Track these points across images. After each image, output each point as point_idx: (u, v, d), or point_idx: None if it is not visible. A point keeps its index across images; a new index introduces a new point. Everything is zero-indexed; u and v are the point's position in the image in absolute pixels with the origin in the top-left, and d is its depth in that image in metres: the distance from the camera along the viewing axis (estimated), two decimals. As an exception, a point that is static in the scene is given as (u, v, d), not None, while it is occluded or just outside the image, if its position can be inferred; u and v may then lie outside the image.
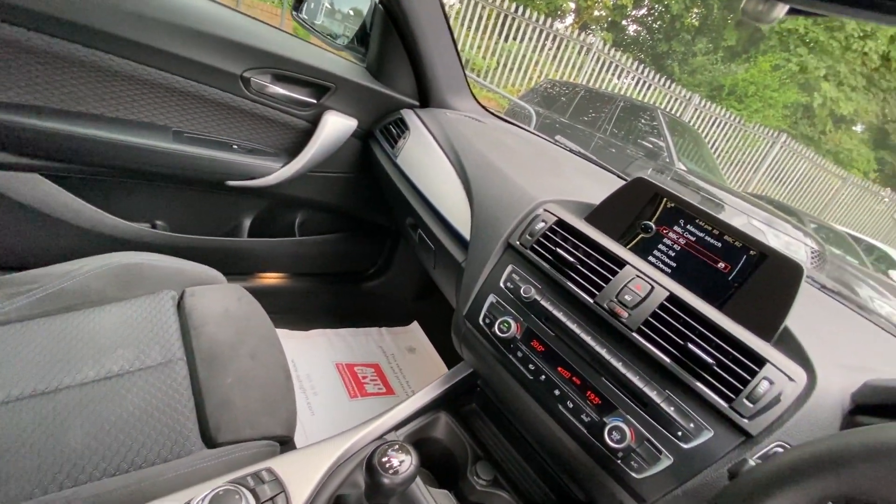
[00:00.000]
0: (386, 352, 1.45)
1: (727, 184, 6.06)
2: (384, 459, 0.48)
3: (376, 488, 0.48)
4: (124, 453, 0.65)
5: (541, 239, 0.69)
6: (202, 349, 0.81)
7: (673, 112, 7.54)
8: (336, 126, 1.09)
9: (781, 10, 0.32)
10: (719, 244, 0.63)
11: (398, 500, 0.63)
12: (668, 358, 0.55)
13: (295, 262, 1.32)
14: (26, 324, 0.76)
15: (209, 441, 0.70)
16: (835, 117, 10.32)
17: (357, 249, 1.44)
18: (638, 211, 0.70)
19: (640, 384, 0.55)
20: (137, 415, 0.69)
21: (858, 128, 11.49)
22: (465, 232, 0.80)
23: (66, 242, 0.97)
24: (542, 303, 0.65)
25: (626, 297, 0.59)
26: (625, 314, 0.58)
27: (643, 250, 0.68)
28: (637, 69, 7.81)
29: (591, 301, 0.61)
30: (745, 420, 0.49)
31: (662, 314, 0.57)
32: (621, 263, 0.62)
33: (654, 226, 0.68)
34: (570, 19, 11.37)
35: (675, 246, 0.66)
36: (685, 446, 0.51)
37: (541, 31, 7.61)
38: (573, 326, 0.61)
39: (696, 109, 8.16)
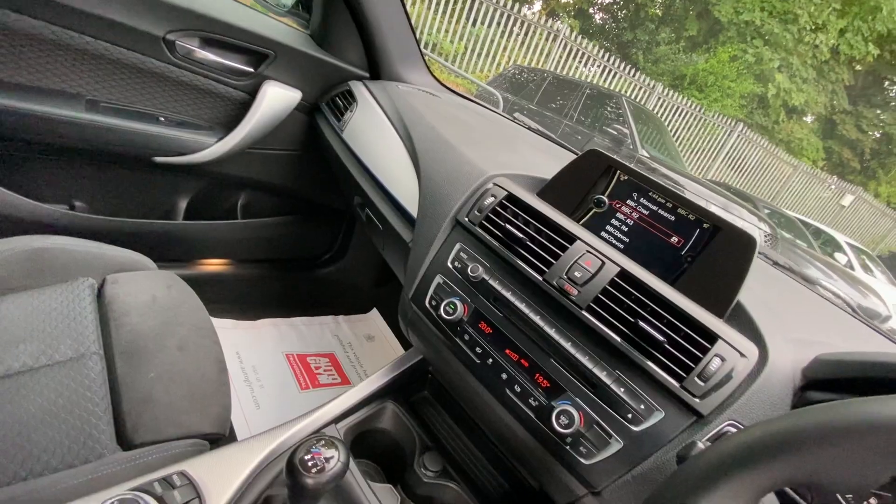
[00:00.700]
0: (342, 341, 1.39)
1: (688, 170, 6.23)
2: (307, 457, 0.43)
3: (299, 490, 0.43)
4: (21, 460, 0.57)
5: (490, 215, 0.64)
6: (122, 342, 0.73)
7: (637, 100, 7.67)
8: (277, 98, 1.00)
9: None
10: (673, 217, 0.60)
11: (336, 500, 0.58)
12: (619, 336, 0.52)
13: (239, 248, 1.23)
14: None
15: (125, 443, 0.62)
16: (787, 108, 10.78)
17: (309, 233, 1.36)
18: (591, 185, 0.66)
19: (589, 365, 0.52)
20: (40, 416, 0.61)
21: (809, 118, 12.06)
22: (413, 209, 0.75)
23: None
24: (491, 282, 0.61)
25: (576, 273, 0.55)
26: (574, 292, 0.55)
27: (595, 226, 0.64)
28: (603, 57, 7.88)
29: (540, 279, 0.57)
30: (697, 399, 0.47)
31: (613, 291, 0.54)
32: (571, 239, 0.59)
33: (606, 200, 0.65)
34: (538, 5, 11.33)
35: (628, 220, 0.63)
36: (635, 429, 0.49)
37: (509, 17, 7.54)
38: (522, 306, 0.57)
39: (660, 98, 8.34)
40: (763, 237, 3.63)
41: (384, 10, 0.99)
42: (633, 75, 8.00)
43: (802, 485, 0.27)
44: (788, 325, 0.56)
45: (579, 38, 7.82)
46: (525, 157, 0.84)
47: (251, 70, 0.96)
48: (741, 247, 0.55)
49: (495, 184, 0.67)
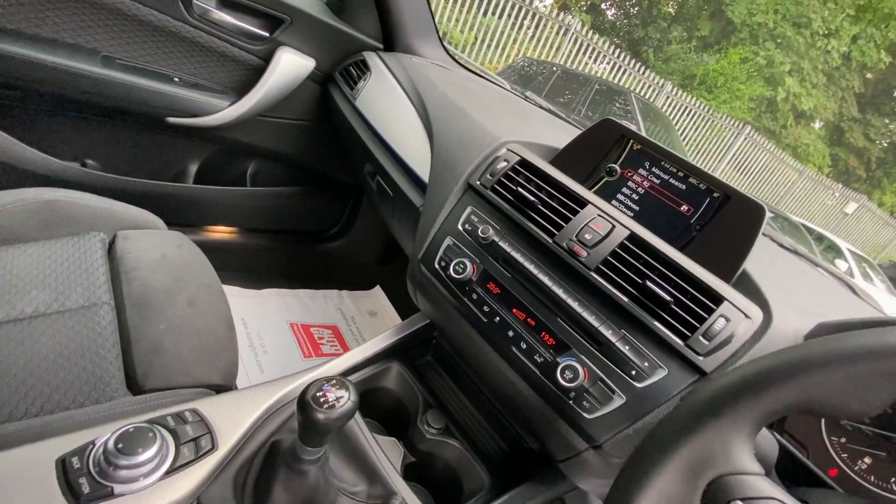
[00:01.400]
0: (346, 315, 1.40)
1: (693, 170, 6.19)
2: (318, 394, 0.44)
3: (309, 425, 0.44)
4: (33, 397, 0.58)
5: (502, 179, 0.65)
6: (133, 294, 0.74)
7: (646, 98, 7.63)
8: (291, 65, 1.00)
9: None
10: (683, 186, 0.61)
11: (342, 449, 0.59)
12: (626, 297, 0.52)
13: (247, 216, 1.24)
14: (-80, 260, 0.67)
15: (134, 388, 0.63)
16: (796, 112, 10.71)
17: (316, 206, 1.37)
18: (604, 153, 0.66)
19: (595, 323, 0.53)
20: (52, 358, 0.62)
21: (817, 124, 11.99)
22: (425, 175, 0.75)
23: None
24: (500, 244, 0.61)
25: (586, 235, 0.56)
26: (583, 253, 0.55)
27: (607, 194, 0.65)
28: (614, 53, 7.82)
29: (550, 241, 0.58)
30: (700, 357, 0.48)
31: (622, 253, 0.55)
32: (583, 203, 0.59)
33: (618, 168, 0.65)
34: (550, -1, 11.23)
35: (640, 189, 0.63)
36: (638, 385, 0.50)
37: (520, 8, 7.48)
38: (530, 267, 0.58)
39: (668, 97, 8.28)
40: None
41: (401, -20, 0.99)
42: (643, 73, 7.94)
43: (804, 410, 0.28)
44: (793, 296, 0.57)
45: (590, 33, 7.76)
46: (537, 129, 0.84)
47: (266, 35, 0.96)
48: (750, 215, 0.55)
49: (508, 149, 0.68)
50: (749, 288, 0.53)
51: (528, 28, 7.62)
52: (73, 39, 0.85)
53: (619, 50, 7.96)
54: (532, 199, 0.61)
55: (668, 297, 0.50)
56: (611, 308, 0.53)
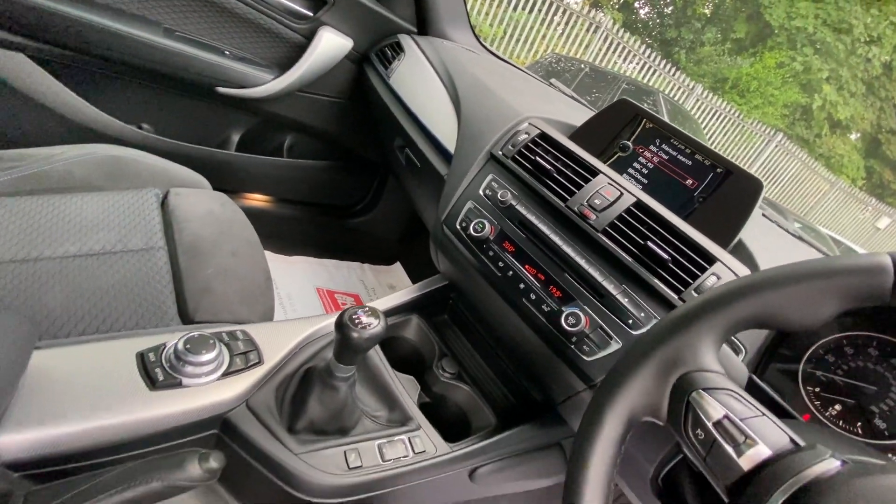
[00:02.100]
0: (367, 286, 1.48)
1: (718, 175, 6.10)
2: (354, 316, 0.51)
3: (345, 343, 0.51)
4: (103, 318, 0.67)
5: (522, 150, 0.71)
6: (184, 241, 0.82)
7: (675, 99, 7.52)
8: (331, 44, 1.08)
9: None
10: (690, 162, 0.66)
11: (367, 379, 0.66)
12: (629, 256, 0.58)
13: (281, 186, 1.32)
14: (8, 199, 0.76)
15: (186, 319, 0.72)
16: (831, 121, 10.38)
17: (345, 182, 1.45)
18: (618, 131, 0.72)
19: (599, 278, 0.59)
20: (117, 288, 0.71)
21: (854, 135, 11.59)
22: (451, 147, 0.82)
23: (47, 129, 0.96)
24: (517, 207, 0.68)
25: (596, 201, 0.62)
26: (592, 216, 0.61)
27: (619, 167, 0.70)
28: (644, 53, 7.72)
29: (563, 205, 0.64)
30: (676, 296, 0.53)
31: (628, 218, 0.60)
32: (595, 172, 0.65)
33: (631, 145, 0.71)
34: (582, -4, 11.09)
35: (649, 164, 0.69)
36: (634, 333, 0.55)
37: (551, 4, 7.43)
38: (543, 228, 0.64)
39: (698, 100, 8.13)
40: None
41: (438, -33, 1.05)
42: (673, 74, 7.82)
43: (761, 323, 0.34)
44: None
45: (621, 31, 7.66)
46: (558, 108, 0.90)
47: (310, 14, 1.04)
48: (749, 189, 0.60)
49: (530, 123, 0.74)
50: (744, 255, 0.59)
51: (558, 24, 7.57)
52: (139, 11, 0.94)
53: (649, 50, 7.85)
54: (549, 167, 0.67)
55: (666, 256, 0.56)
56: (614, 266, 0.59)
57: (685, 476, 0.56)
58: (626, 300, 0.57)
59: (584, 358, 0.57)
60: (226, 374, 0.52)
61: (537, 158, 0.68)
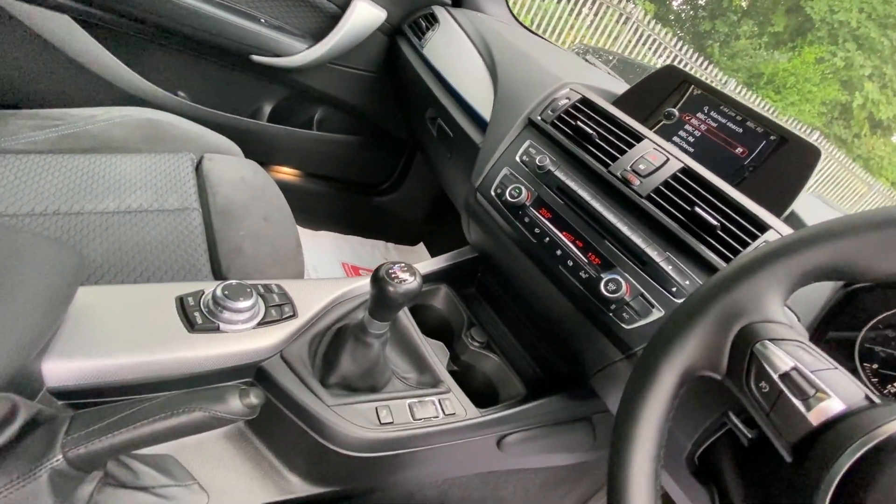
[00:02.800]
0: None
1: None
2: (390, 271, 0.50)
3: (381, 297, 0.50)
4: (140, 272, 0.68)
5: (562, 115, 0.69)
6: (217, 204, 0.83)
7: (706, 95, 7.29)
8: (364, 14, 1.06)
9: None
10: (740, 129, 0.63)
11: (398, 342, 0.66)
12: (674, 222, 0.56)
13: (310, 159, 1.33)
14: (51, 155, 0.78)
15: (219, 277, 0.73)
16: (872, 121, 9.91)
17: (372, 159, 1.44)
18: (663, 98, 0.69)
19: (642, 245, 0.57)
20: (154, 244, 0.72)
21: None
22: (486, 114, 0.80)
23: (87, 91, 0.98)
24: (556, 173, 0.66)
25: (641, 166, 0.60)
26: (637, 181, 0.59)
27: (664, 135, 0.67)
28: (675, 46, 7.50)
29: (605, 170, 0.62)
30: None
31: (674, 183, 0.58)
32: (639, 138, 0.63)
33: (677, 112, 0.68)
34: (613, -14, 10.80)
35: (696, 132, 0.66)
36: (678, 301, 0.53)
37: (581, -7, 7.27)
38: (583, 193, 0.62)
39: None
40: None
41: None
42: (706, 68, 7.58)
43: (833, 272, 0.32)
44: None
45: (652, 23, 7.45)
46: (599, 77, 0.87)
47: (345, -17, 1.03)
48: (805, 156, 0.57)
49: (571, 89, 0.71)
50: (796, 225, 0.55)
51: (587, 15, 7.40)
52: (178, -24, 0.94)
53: (681, 42, 7.62)
54: (591, 132, 0.65)
55: (714, 223, 0.53)
56: (658, 232, 0.57)
57: (725, 453, 0.54)
58: (670, 267, 0.55)
59: (624, 326, 0.55)
60: (261, 324, 0.52)
61: (578, 124, 0.66)
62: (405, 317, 0.68)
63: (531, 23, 7.54)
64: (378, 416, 0.53)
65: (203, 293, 0.51)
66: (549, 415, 0.65)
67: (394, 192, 1.54)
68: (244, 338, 0.51)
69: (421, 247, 1.65)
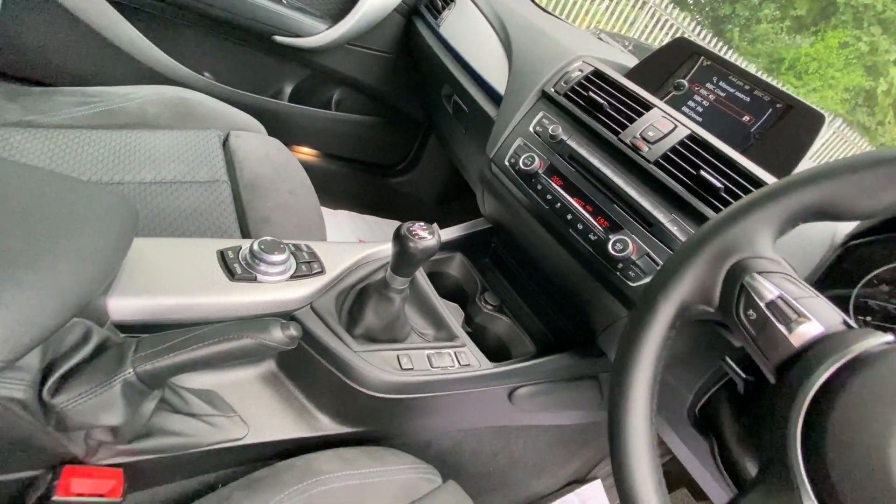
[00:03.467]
0: (405, 242, 1.53)
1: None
2: (411, 228, 0.54)
3: (403, 254, 0.54)
4: (178, 236, 0.73)
5: (575, 86, 0.71)
6: (245, 177, 0.88)
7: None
8: (383, -6, 1.10)
9: None
10: (748, 99, 0.65)
11: (416, 302, 0.70)
12: (681, 186, 0.59)
13: (328, 139, 1.37)
14: (91, 130, 0.83)
15: None
16: (898, 108, 9.60)
17: (388, 139, 1.48)
18: (674, 69, 0.71)
19: (649, 207, 0.60)
20: (188, 212, 0.77)
21: (922, 124, 10.68)
22: (501, 88, 0.83)
23: (120, 71, 1.03)
24: (568, 142, 0.69)
25: (649, 133, 0.62)
26: (645, 148, 0.62)
27: (674, 105, 0.70)
28: (694, 31, 7.34)
29: (615, 138, 0.64)
30: None
31: (681, 149, 0.60)
32: (649, 107, 0.65)
33: (686, 83, 0.70)
34: (629, -30, 10.55)
35: (705, 102, 0.68)
36: (682, 259, 0.56)
37: (596, -23, 7.14)
38: (594, 160, 0.65)
39: (749, 81, 7.71)
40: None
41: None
42: (725, 53, 7.42)
43: (821, 212, 0.35)
44: None
45: (670, 7, 7.30)
46: (611, 52, 0.89)
47: (364, -36, 1.06)
48: (810, 122, 0.59)
49: (584, 61, 0.74)
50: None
51: (603, 0, 7.29)
52: (205, -42, 0.98)
53: (700, 27, 7.47)
54: (602, 102, 0.67)
55: (719, 185, 0.56)
56: (664, 196, 0.60)
57: (723, 404, 0.58)
58: (676, 228, 0.58)
59: (630, 284, 0.58)
60: (293, 277, 0.57)
61: (590, 94, 0.69)
62: (423, 280, 0.73)
63: (547, 6, 7.44)
64: (399, 362, 0.58)
65: (241, 248, 0.56)
66: (557, 371, 0.69)
67: (408, 173, 1.58)
68: (279, 288, 0.55)
69: (435, 227, 1.69)
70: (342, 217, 1.43)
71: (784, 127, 0.61)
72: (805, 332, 0.32)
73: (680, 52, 0.71)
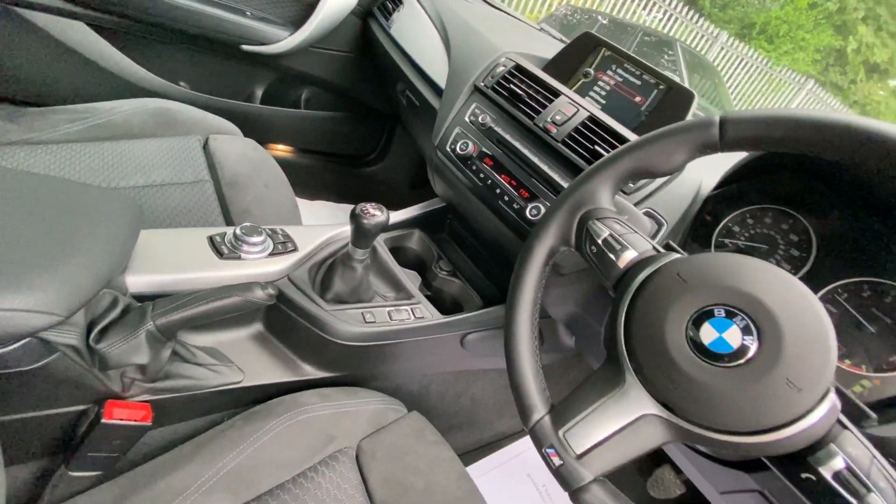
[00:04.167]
0: (381, 227, 1.66)
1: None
2: (364, 208, 0.67)
3: (358, 229, 0.68)
4: (173, 229, 0.85)
5: (500, 80, 0.84)
6: (225, 176, 1.00)
7: (699, 50, 7.27)
8: (338, 0, 1.20)
9: None
10: (639, 82, 0.78)
11: (379, 272, 0.84)
12: (581, 160, 0.72)
13: (301, 136, 1.49)
14: (85, 144, 0.95)
15: None
16: (868, 66, 9.78)
17: (357, 132, 1.60)
18: (582, 60, 0.84)
19: (558, 179, 0.73)
20: (179, 209, 0.90)
21: (894, 82, 10.90)
22: (443, 83, 0.95)
23: (105, 87, 1.13)
24: (496, 129, 0.82)
25: (557, 117, 0.76)
26: (554, 130, 0.75)
27: (583, 91, 0.83)
28: (666, 1, 7.40)
29: (531, 122, 0.78)
30: (626, 194, 0.68)
31: (583, 129, 0.74)
32: (557, 94, 0.78)
33: (592, 71, 0.83)
34: (599, -58, 10.51)
35: (607, 87, 0.81)
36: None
37: (565, -48, 7.14)
38: (516, 143, 0.79)
39: (723, 48, 7.82)
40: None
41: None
42: (697, 22, 7.50)
43: (640, 172, 0.49)
44: (710, 164, 0.74)
45: (640, -23, 7.33)
46: (537, 46, 1.01)
47: (319, -26, 1.16)
48: (683, 99, 0.73)
49: (507, 57, 0.87)
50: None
51: (572, -26, 7.30)
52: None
53: (670, -4, 7.52)
54: (521, 93, 0.80)
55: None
56: (570, 169, 0.73)
57: None
58: (578, 194, 0.71)
59: (545, 241, 0.72)
60: (271, 255, 0.70)
61: (512, 86, 0.82)
62: (385, 253, 0.86)
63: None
64: (364, 318, 0.72)
65: (226, 233, 0.69)
66: (500, 318, 0.83)
67: (380, 162, 1.70)
68: (260, 264, 0.68)
69: (409, 211, 1.82)
70: (320, 207, 1.55)
71: (666, 105, 0.75)
72: (626, 257, 0.47)
73: (587, 45, 0.84)
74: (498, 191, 0.79)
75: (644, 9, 7.60)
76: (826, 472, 0.34)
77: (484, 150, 0.82)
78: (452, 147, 0.86)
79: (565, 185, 0.73)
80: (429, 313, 0.78)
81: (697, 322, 0.40)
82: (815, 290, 0.57)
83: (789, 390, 0.35)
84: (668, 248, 0.49)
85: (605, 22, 5.91)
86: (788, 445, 0.36)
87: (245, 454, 0.58)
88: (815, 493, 0.35)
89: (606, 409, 0.43)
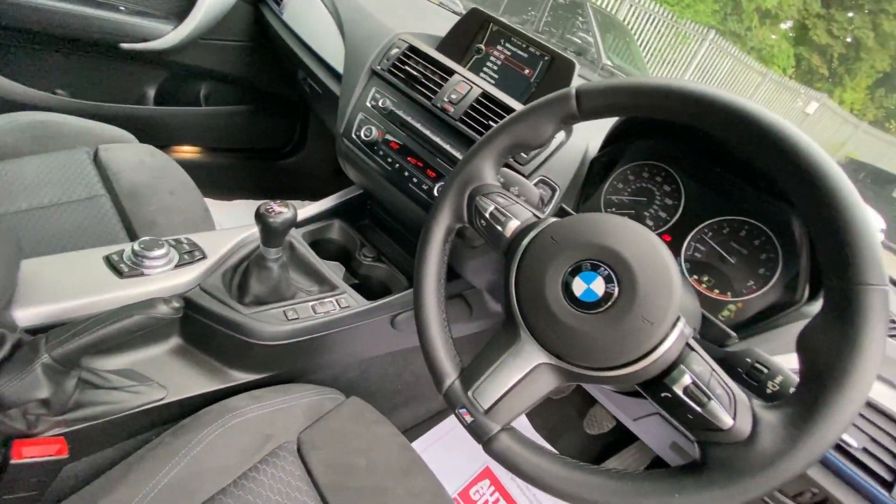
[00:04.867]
0: (310, 219, 1.62)
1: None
2: (268, 208, 0.67)
3: (266, 229, 0.67)
4: (64, 253, 0.80)
5: (396, 62, 0.85)
6: (123, 188, 0.94)
7: (609, 9, 7.52)
8: (223, -13, 1.13)
9: None
10: (526, 55, 0.82)
11: (299, 267, 0.84)
12: (478, 135, 0.75)
13: (206, 134, 1.41)
14: (-53, 171, 0.85)
15: None
16: (761, 12, 10.60)
17: (269, 125, 1.54)
18: (473, 36, 0.86)
19: (461, 157, 0.76)
20: (72, 230, 0.84)
21: (785, 24, 11.89)
22: (342, 69, 0.94)
23: None
24: (397, 112, 0.83)
25: (453, 96, 0.78)
26: (451, 108, 0.77)
27: (477, 67, 0.86)
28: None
29: (430, 103, 0.79)
30: (520, 165, 0.72)
31: (477, 106, 0.77)
32: (451, 73, 0.80)
33: (483, 47, 0.86)
34: None
35: (498, 61, 0.84)
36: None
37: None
38: (418, 125, 0.80)
39: (632, 6, 8.14)
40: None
41: None
42: (600, -18, 7.72)
43: (517, 146, 0.52)
44: (598, 126, 0.80)
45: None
46: (434, 24, 1.02)
47: (195, -41, 1.09)
48: (566, 68, 0.77)
49: (400, 38, 0.87)
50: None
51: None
52: (24, -24, 0.97)
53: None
54: (417, 74, 0.82)
55: (503, 130, 0.73)
56: (469, 146, 0.76)
57: None
58: (479, 169, 0.75)
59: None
60: (178, 266, 0.68)
61: (407, 68, 0.82)
62: (303, 248, 0.86)
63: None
64: (286, 315, 0.72)
65: (124, 251, 0.66)
66: (426, 297, 0.87)
67: (298, 152, 1.65)
68: (166, 277, 0.66)
69: (337, 199, 1.79)
70: (238, 206, 1.50)
71: (551, 76, 0.79)
72: (511, 227, 0.50)
73: (475, 21, 0.86)
74: (406, 174, 0.81)
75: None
76: (678, 389, 0.41)
77: (388, 134, 0.83)
78: (357, 133, 0.86)
79: (467, 161, 0.76)
80: (354, 301, 0.79)
81: (570, 276, 0.45)
82: (687, 232, 0.65)
83: (644, 325, 0.41)
84: (562, 211, 0.54)
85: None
86: (652, 371, 0.42)
87: (179, 466, 0.58)
88: (672, 406, 0.41)
89: (506, 365, 0.47)
